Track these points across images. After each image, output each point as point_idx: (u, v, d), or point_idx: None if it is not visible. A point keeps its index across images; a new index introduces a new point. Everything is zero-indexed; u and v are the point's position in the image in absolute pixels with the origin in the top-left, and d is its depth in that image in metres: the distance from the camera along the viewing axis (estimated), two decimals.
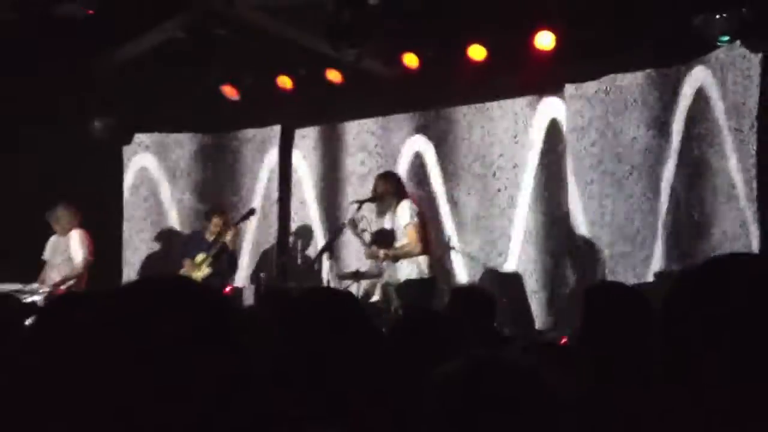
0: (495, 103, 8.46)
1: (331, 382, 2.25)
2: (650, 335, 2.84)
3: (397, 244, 7.47)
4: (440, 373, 1.57)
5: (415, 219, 7.40)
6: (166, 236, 10.05)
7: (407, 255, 7.37)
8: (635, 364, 2.60)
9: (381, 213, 7.71)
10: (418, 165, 8.95)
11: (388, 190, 7.57)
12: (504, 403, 1.48)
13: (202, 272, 8.41)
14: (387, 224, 7.66)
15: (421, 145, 8.95)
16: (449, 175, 8.65)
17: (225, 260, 8.64)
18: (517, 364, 1.56)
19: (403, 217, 7.39)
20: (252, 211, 9.39)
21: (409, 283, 7.34)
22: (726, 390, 1.19)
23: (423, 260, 7.38)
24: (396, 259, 7.48)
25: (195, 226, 9.69)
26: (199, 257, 8.60)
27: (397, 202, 7.49)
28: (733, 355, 1.19)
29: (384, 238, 7.64)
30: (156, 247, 10.08)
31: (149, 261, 10.04)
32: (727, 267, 1.30)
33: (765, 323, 1.19)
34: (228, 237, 8.51)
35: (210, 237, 8.74)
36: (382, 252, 7.58)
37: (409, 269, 7.36)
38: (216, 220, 8.78)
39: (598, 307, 3.28)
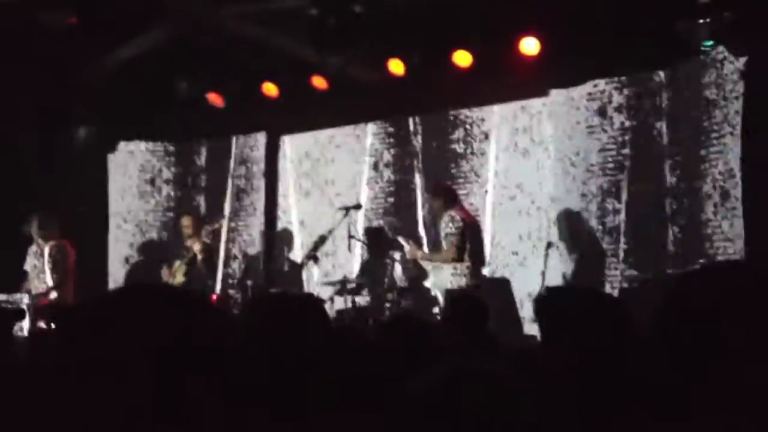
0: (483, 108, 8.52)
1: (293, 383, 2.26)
2: (623, 341, 2.83)
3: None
4: (417, 382, 1.57)
5: (454, 229, 7.41)
6: (150, 244, 10.01)
7: (443, 261, 7.48)
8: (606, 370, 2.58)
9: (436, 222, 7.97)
10: (405, 170, 9.01)
11: (436, 201, 7.72)
12: (479, 416, 1.49)
13: (177, 280, 8.38)
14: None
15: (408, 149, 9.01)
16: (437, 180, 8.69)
17: (202, 267, 8.59)
18: (493, 376, 1.56)
19: (445, 227, 7.50)
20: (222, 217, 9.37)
21: (450, 291, 7.37)
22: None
23: (461, 268, 7.40)
24: (433, 262, 7.64)
25: (177, 233, 9.68)
26: (176, 264, 8.57)
27: (444, 212, 7.56)
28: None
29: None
30: (140, 254, 10.04)
31: (133, 269, 9.99)
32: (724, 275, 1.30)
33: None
34: (197, 247, 8.48)
35: (186, 241, 8.71)
36: (419, 253, 7.88)
37: (449, 277, 7.42)
38: (185, 222, 8.80)
39: (557, 311, 3.23)
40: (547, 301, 3.27)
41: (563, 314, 3.07)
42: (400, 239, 8.24)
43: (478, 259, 7.61)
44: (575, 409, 2.16)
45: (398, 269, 8.67)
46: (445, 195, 7.71)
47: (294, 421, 2.12)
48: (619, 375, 2.37)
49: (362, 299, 8.21)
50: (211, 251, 8.69)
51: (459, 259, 7.39)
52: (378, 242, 8.70)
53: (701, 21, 6.69)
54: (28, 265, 8.50)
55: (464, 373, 1.49)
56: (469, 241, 7.46)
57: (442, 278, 7.56)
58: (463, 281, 7.39)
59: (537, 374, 2.35)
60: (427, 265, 7.88)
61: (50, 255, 8.36)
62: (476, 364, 1.51)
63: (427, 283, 7.99)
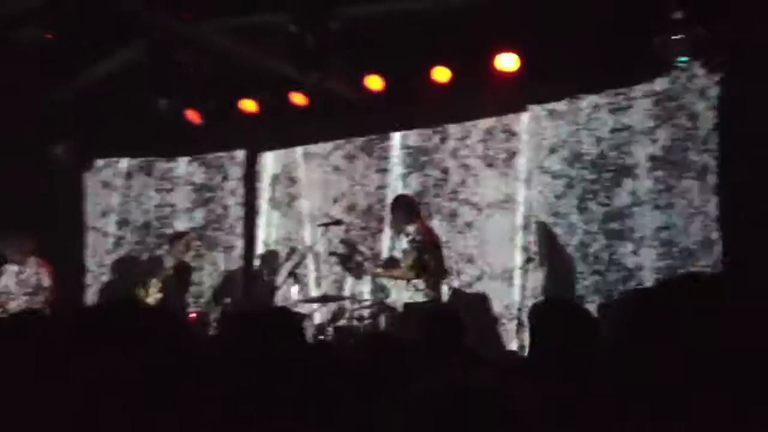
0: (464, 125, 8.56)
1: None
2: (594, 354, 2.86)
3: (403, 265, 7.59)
4: (409, 394, 1.56)
5: (412, 246, 7.41)
6: (126, 262, 9.93)
7: (401, 277, 7.48)
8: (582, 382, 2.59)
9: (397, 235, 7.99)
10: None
11: (398, 215, 7.67)
12: (471, 426, 1.48)
13: (152, 297, 8.34)
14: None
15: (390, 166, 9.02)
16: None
17: (175, 284, 8.56)
18: (484, 387, 1.56)
19: (403, 244, 7.53)
20: (196, 236, 9.35)
21: (410, 306, 7.35)
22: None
23: (419, 284, 7.37)
24: (394, 278, 7.73)
25: (153, 251, 9.62)
26: (152, 282, 8.55)
27: (404, 227, 7.56)
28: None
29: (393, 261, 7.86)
30: (115, 272, 9.96)
31: (109, 287, 9.91)
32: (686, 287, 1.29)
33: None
34: (170, 263, 8.48)
35: (169, 261, 8.68)
36: (378, 270, 8.06)
37: (410, 293, 7.41)
38: (179, 245, 8.76)
39: (543, 325, 3.29)
40: (545, 312, 3.31)
41: (559, 326, 3.11)
42: (358, 257, 8.29)
43: (437, 275, 7.55)
44: (570, 417, 2.16)
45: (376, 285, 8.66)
46: (405, 208, 7.67)
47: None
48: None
49: (341, 316, 8.18)
50: (184, 268, 8.65)
51: (416, 275, 7.36)
52: (354, 260, 8.68)
53: (676, 37, 6.75)
54: (1, 285, 8.35)
55: (457, 385, 1.49)
56: (428, 257, 7.42)
57: (401, 295, 7.56)
58: (421, 297, 7.35)
59: (527, 384, 2.35)
60: (387, 282, 7.91)
61: (28, 275, 8.25)
62: (469, 376, 1.51)
63: (389, 300, 7.98)
